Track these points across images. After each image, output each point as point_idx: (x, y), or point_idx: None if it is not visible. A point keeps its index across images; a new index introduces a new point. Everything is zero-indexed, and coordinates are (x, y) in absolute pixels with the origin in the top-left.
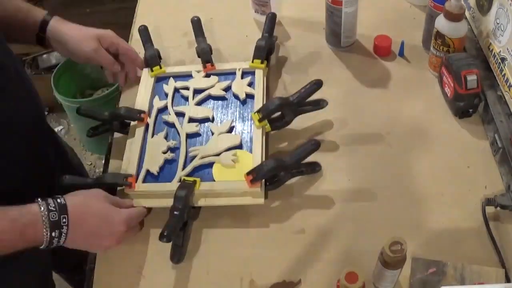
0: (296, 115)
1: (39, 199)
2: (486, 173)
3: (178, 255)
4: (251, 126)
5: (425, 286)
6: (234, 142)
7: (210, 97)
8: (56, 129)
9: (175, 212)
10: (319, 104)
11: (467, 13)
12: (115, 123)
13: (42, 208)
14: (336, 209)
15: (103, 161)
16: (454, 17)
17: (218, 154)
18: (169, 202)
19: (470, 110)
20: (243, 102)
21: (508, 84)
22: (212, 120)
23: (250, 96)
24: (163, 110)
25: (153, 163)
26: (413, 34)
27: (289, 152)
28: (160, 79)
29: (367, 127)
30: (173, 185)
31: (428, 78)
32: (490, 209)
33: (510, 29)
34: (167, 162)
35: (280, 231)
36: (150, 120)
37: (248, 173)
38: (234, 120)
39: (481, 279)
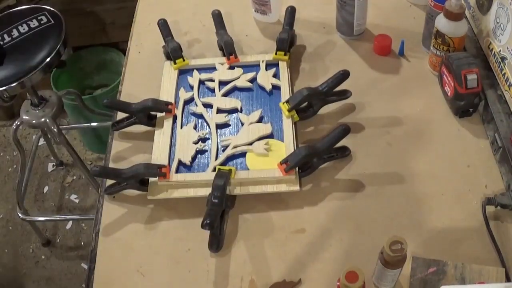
0: (323, 105)
1: None
2: (486, 173)
3: (216, 244)
4: (279, 115)
5: (425, 285)
6: (266, 132)
7: (236, 88)
8: None
9: (214, 201)
10: (345, 94)
11: (467, 12)
12: (141, 116)
13: None
14: (335, 208)
15: (103, 161)
16: (454, 16)
17: (250, 144)
18: (203, 192)
19: (470, 110)
20: (270, 93)
21: (508, 83)
22: (241, 111)
23: (275, 87)
24: (189, 101)
25: (185, 153)
26: (413, 33)
27: (320, 139)
28: (183, 72)
29: (366, 127)
30: (208, 175)
31: (428, 77)
32: (490, 209)
33: (510, 28)
34: (198, 152)
35: (280, 230)
36: (178, 112)
37: (281, 162)
38: (262, 110)
39: (481, 279)
